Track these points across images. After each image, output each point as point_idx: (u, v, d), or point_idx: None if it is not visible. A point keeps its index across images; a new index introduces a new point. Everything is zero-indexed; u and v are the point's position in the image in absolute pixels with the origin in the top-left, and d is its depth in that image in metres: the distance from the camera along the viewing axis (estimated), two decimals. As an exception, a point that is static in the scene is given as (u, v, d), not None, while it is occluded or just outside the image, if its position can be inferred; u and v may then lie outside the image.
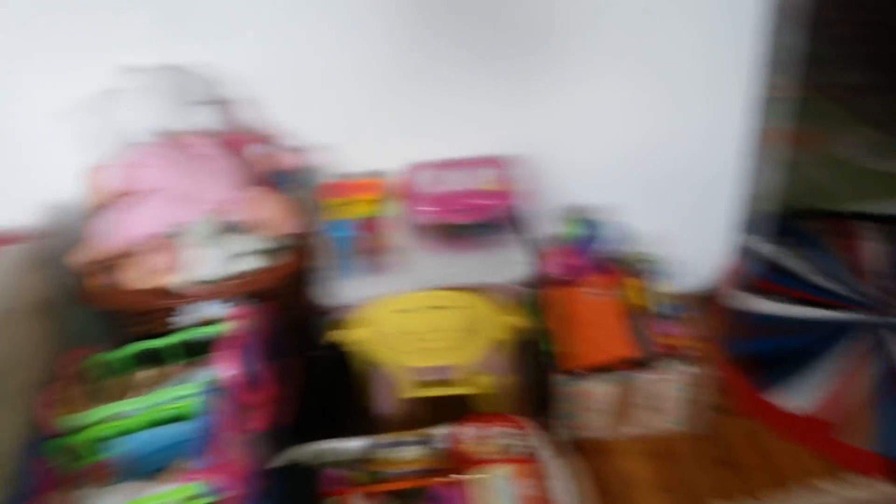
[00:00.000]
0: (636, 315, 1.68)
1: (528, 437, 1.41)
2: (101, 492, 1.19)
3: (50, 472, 1.22)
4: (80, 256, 1.44)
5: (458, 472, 1.34)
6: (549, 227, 1.82)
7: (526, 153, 1.74)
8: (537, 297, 1.68)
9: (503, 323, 1.49)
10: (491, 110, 1.70)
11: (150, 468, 1.24)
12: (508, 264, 1.57)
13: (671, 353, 1.58)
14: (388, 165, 1.72)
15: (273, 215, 1.50)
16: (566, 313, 1.69)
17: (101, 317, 1.45)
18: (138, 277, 1.41)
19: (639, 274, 1.78)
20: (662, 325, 1.65)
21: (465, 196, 1.63)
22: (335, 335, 1.48)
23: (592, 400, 1.59)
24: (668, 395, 1.59)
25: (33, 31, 1.47)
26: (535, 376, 1.66)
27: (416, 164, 1.72)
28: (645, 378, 1.56)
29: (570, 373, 1.58)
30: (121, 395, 1.36)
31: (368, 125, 1.69)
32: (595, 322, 1.68)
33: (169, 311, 1.45)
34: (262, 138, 1.60)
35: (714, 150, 1.80)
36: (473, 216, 1.62)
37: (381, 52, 1.59)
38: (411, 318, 1.49)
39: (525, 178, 1.73)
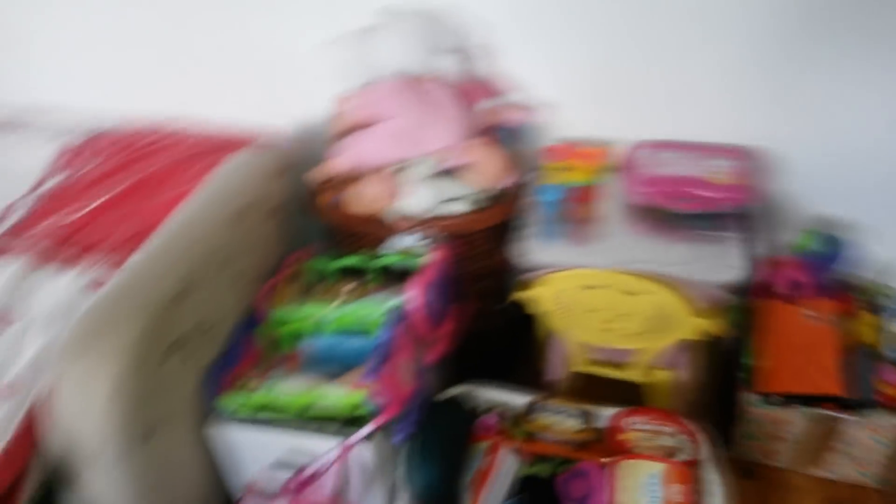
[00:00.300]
0: (859, 352, 1.48)
1: (695, 443, 1.32)
2: (287, 377, 1.34)
3: (254, 350, 1.41)
4: (316, 173, 1.61)
5: (611, 457, 1.30)
6: (781, 234, 1.65)
7: (768, 147, 1.59)
8: (746, 305, 1.54)
9: (697, 323, 1.39)
10: (736, 92, 1.57)
11: (330, 369, 1.38)
12: (721, 264, 1.44)
13: (887, 404, 1.37)
14: (614, 136, 1.67)
15: (489, 166, 1.54)
16: (776, 331, 1.54)
17: (324, 229, 1.62)
18: (359, 201, 1.54)
19: (876, 308, 1.56)
20: (889, 371, 1.43)
21: (691, 183, 1.53)
22: (522, 294, 1.50)
23: (783, 429, 1.45)
24: (870, 446, 1.39)
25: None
26: (723, 386, 1.54)
27: (645, 140, 1.65)
28: (849, 422, 1.38)
29: (765, 394, 1.45)
30: (323, 300, 1.52)
31: (599, 90, 1.65)
32: (807, 348, 1.50)
33: (379, 235, 1.57)
34: (494, 91, 1.64)
35: None
36: (694, 206, 1.53)
37: (618, 17, 1.54)
38: (600, 296, 1.45)
39: (763, 174, 1.58)
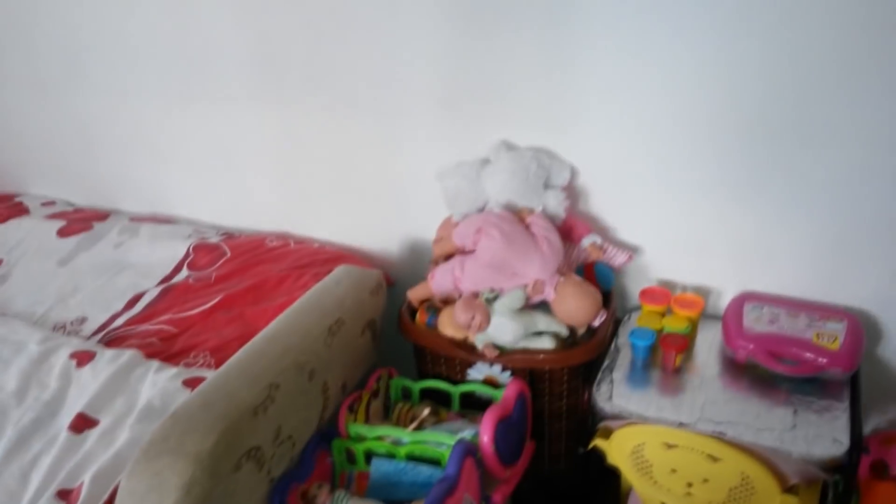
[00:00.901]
0: None
1: None
2: (350, 499, 1.35)
3: (326, 464, 1.44)
4: (412, 293, 1.68)
5: None
6: (891, 408, 1.51)
7: (881, 312, 1.48)
8: (849, 486, 1.40)
9: (787, 502, 1.28)
10: (848, 252, 1.50)
11: (396, 495, 1.38)
12: (822, 436, 1.33)
13: None
14: (714, 284, 1.63)
15: (580, 304, 1.53)
16: (886, 518, 1.38)
17: (413, 349, 1.66)
18: (449, 325, 1.58)
19: None
20: None
21: (795, 344, 1.45)
22: (600, 442, 1.45)
23: None
24: None
25: (438, 111, 1.75)
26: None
27: (747, 292, 1.59)
28: None
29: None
30: (400, 422, 1.54)
31: (702, 237, 1.62)
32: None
33: (465, 362, 1.58)
34: (587, 230, 1.65)
35: None
36: (798, 369, 1.43)
37: (721, 169, 1.54)
38: (682, 456, 1.37)
39: (875, 341, 1.47)
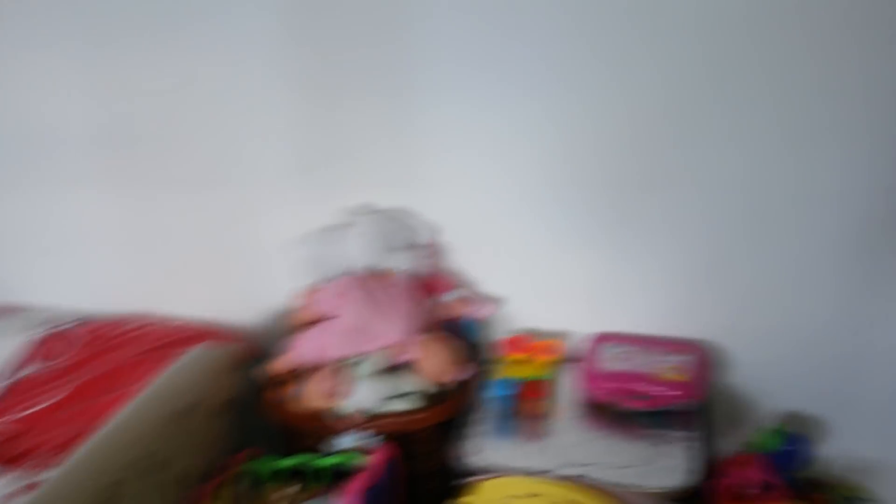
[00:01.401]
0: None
1: None
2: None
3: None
4: (267, 369, 1.63)
5: None
6: (739, 432, 1.58)
7: (721, 341, 1.58)
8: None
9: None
10: (689, 286, 1.59)
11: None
12: (677, 468, 1.38)
13: None
14: (569, 327, 1.68)
15: (437, 362, 1.54)
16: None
17: (273, 427, 1.62)
18: (306, 398, 1.55)
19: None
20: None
21: (641, 379, 1.51)
22: (468, 499, 1.44)
23: None
24: None
25: (296, 178, 1.74)
26: None
27: (599, 333, 1.65)
28: None
29: None
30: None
31: (552, 283, 1.68)
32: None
33: (324, 434, 1.55)
34: (449, 285, 1.68)
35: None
36: (645, 403, 1.49)
37: (568, 218, 1.61)
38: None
39: (718, 369, 1.55)
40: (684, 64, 1.43)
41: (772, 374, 1.57)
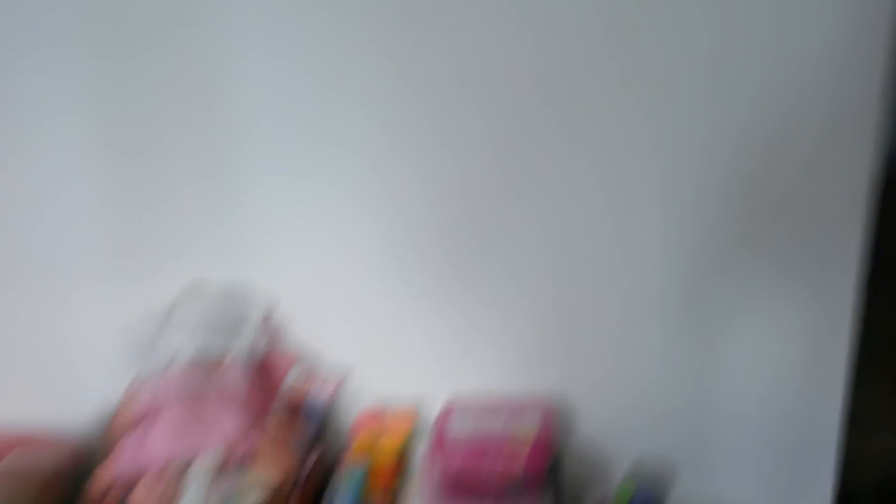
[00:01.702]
0: None
1: None
2: None
3: None
4: (101, 475, 1.48)
5: None
6: (596, 487, 1.59)
7: (571, 395, 1.59)
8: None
9: None
10: (532, 340, 1.59)
11: None
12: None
13: None
14: (423, 393, 1.64)
15: (282, 453, 1.45)
16: None
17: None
18: (140, 504, 1.41)
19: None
20: None
21: (497, 445, 1.47)
22: None
23: None
24: None
25: (115, 262, 1.62)
26: None
27: (456, 399, 1.61)
28: None
29: None
30: None
31: (401, 348, 1.63)
32: None
33: (162, 543, 1.41)
34: (291, 362, 1.59)
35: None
36: (502, 469, 1.46)
37: (410, 281, 1.58)
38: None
39: (566, 426, 1.55)
40: (514, 128, 1.44)
41: (619, 425, 1.58)
